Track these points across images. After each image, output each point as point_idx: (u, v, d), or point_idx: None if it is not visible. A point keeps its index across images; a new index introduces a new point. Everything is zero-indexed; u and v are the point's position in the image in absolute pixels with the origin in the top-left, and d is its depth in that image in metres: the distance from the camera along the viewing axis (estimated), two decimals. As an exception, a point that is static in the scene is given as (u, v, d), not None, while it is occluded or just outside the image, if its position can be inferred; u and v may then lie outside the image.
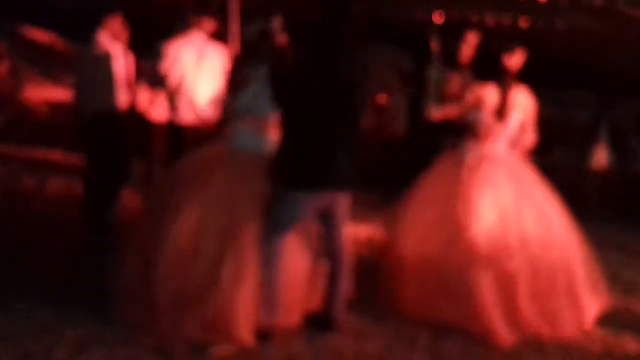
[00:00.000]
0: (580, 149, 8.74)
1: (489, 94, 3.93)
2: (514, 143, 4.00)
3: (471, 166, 3.85)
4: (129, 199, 6.01)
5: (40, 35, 9.31)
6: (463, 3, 7.00)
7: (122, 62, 5.14)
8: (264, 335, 3.34)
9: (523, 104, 3.94)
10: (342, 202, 3.56)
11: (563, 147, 9.00)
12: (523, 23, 6.72)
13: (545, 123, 8.53)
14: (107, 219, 5.25)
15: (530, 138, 4.01)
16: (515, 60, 3.92)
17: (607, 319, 4.10)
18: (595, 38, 7.26)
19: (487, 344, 3.55)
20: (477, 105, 3.91)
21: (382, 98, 8.50)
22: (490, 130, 3.93)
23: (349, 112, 3.42)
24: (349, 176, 3.49)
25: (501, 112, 3.90)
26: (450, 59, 4.94)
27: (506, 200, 3.72)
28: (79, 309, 3.63)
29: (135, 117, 5.33)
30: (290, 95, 3.38)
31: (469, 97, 3.98)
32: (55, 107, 8.93)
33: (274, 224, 3.36)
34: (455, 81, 4.72)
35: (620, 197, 8.66)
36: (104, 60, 5.07)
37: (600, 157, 8.62)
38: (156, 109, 4.85)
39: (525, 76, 4.19)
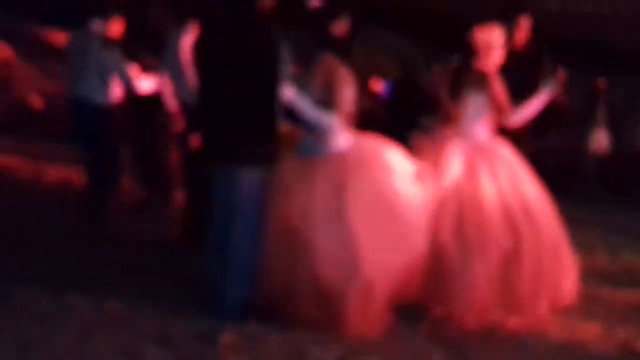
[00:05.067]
0: (578, 130, 8.77)
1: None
2: (481, 124, 3.86)
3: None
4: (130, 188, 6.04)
5: (34, 28, 9.25)
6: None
7: (117, 55, 5.09)
8: None
9: (485, 84, 3.79)
10: (241, 186, 3.29)
11: (560, 129, 9.00)
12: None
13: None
14: (102, 209, 5.25)
15: (512, 119, 3.88)
16: (479, 40, 3.83)
17: (607, 301, 4.15)
18: (588, 19, 7.23)
19: (489, 328, 3.54)
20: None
21: (377, 83, 8.46)
22: (451, 111, 3.88)
23: (233, 86, 3.23)
24: (237, 153, 3.28)
25: (455, 92, 3.86)
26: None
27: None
28: (79, 298, 3.60)
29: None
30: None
31: None
32: (50, 99, 8.89)
33: None
34: None
35: (620, 177, 8.69)
36: (95, 51, 5.03)
37: (599, 138, 8.65)
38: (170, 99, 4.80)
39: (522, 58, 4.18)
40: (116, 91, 5.14)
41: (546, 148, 9.02)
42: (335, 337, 3.26)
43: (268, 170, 3.30)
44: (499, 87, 3.80)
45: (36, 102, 9.15)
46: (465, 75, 3.84)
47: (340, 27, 3.30)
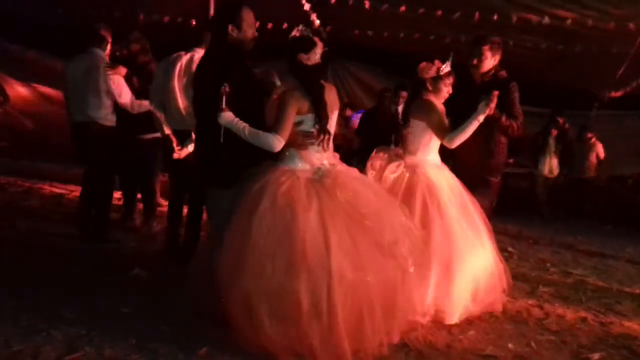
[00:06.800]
0: (533, 157, 8.96)
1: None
2: (425, 145, 4.03)
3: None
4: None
5: (25, 51, 9.14)
6: (423, 23, 7.12)
7: (120, 79, 5.10)
8: None
9: (427, 112, 3.99)
10: (210, 203, 3.61)
11: (517, 156, 9.19)
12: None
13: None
14: (103, 224, 5.23)
15: (448, 142, 3.96)
16: (430, 69, 4.02)
17: (560, 314, 4.20)
18: (544, 55, 7.43)
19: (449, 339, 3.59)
20: None
21: (348, 112, 8.61)
22: (402, 133, 4.15)
23: (208, 119, 3.36)
24: (206, 177, 3.55)
25: (405, 117, 4.12)
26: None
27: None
28: (66, 310, 3.56)
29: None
30: None
31: None
32: (41, 119, 8.79)
33: None
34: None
35: (569, 200, 8.90)
36: (102, 75, 5.05)
37: (550, 164, 8.86)
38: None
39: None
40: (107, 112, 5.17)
41: (507, 173, 9.22)
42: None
43: (235, 189, 3.33)
44: (438, 114, 3.97)
45: (28, 123, 9.06)
46: (414, 103, 4.09)
47: (310, 58, 3.33)
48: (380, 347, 3.15)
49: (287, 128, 3.24)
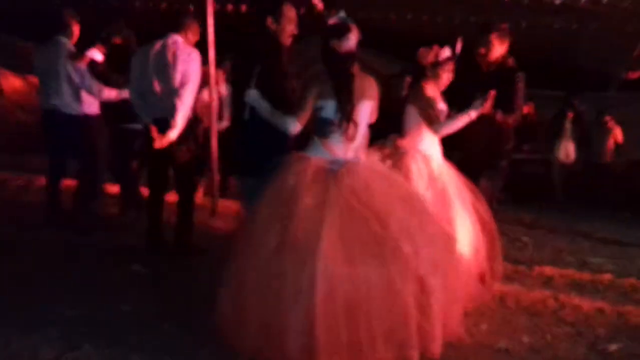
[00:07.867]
0: (548, 142, 8.81)
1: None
2: (420, 132, 3.96)
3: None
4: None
5: (17, 40, 9.13)
6: (431, 4, 7.03)
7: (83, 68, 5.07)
8: None
9: (418, 98, 3.95)
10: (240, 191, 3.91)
11: (532, 141, 9.05)
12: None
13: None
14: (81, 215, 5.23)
15: (436, 131, 3.91)
16: (429, 55, 3.98)
17: (576, 304, 4.11)
18: (557, 35, 7.31)
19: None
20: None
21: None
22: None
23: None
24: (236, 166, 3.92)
25: (402, 104, 4.07)
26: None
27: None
28: (65, 308, 3.54)
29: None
30: None
31: None
32: (37, 112, 8.78)
33: None
34: None
35: (586, 187, 8.77)
36: (64, 63, 5.05)
37: (566, 149, 8.73)
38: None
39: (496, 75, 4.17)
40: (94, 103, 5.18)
41: (521, 160, 9.09)
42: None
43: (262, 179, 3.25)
44: (426, 101, 3.92)
45: (23, 115, 9.06)
46: (411, 90, 4.08)
47: (344, 45, 3.27)
48: None
49: (306, 111, 3.28)
